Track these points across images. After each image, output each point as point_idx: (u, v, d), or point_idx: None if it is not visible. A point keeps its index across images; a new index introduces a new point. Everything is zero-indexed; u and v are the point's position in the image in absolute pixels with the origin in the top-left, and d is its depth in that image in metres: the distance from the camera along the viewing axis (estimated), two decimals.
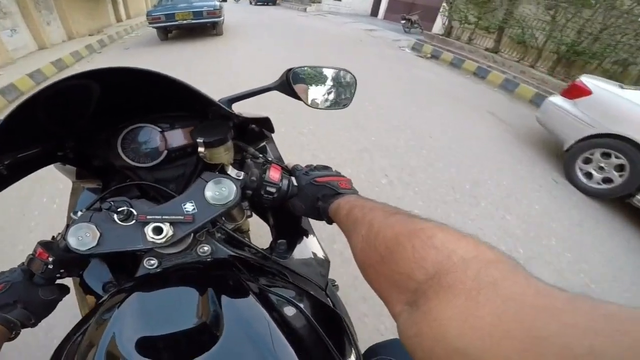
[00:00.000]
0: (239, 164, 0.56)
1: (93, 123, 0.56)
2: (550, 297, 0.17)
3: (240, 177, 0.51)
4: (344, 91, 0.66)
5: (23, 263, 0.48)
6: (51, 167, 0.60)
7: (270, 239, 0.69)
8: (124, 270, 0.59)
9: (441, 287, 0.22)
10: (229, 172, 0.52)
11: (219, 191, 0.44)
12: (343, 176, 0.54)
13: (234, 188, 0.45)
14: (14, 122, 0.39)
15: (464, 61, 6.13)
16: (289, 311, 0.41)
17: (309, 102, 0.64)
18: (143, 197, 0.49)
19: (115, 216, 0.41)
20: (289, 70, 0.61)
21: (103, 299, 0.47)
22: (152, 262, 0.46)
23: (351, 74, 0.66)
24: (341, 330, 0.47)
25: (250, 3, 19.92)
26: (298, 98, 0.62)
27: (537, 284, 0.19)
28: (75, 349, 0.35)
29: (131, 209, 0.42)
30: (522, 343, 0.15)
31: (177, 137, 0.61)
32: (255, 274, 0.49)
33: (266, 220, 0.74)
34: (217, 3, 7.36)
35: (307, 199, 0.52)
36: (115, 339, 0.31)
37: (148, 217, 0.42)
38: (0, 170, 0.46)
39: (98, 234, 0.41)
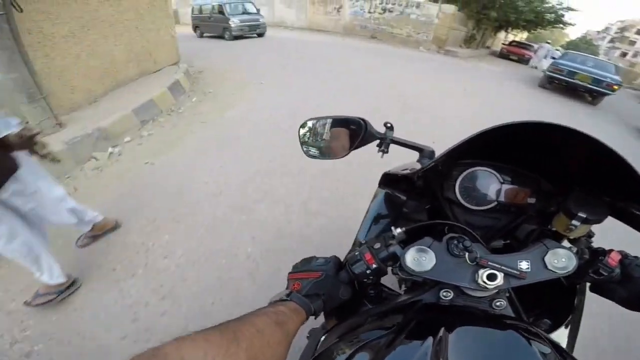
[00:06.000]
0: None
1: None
2: None
3: (573, 252, 0.49)
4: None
5: (334, 256, 0.53)
6: None
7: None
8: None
9: None
10: (563, 242, 0.51)
11: (558, 259, 0.45)
12: None
13: (574, 262, 0.45)
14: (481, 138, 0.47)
15: None
16: None
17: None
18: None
19: (467, 255, 0.44)
20: None
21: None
22: (448, 294, 0.47)
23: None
24: None
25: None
26: None
27: None
28: (374, 353, 0.36)
29: (475, 251, 0.44)
30: None
31: (510, 194, 0.61)
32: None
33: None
34: (618, 78, 6.74)
35: (635, 290, 0.51)
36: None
37: (489, 262, 0.43)
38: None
39: (434, 262, 0.44)
